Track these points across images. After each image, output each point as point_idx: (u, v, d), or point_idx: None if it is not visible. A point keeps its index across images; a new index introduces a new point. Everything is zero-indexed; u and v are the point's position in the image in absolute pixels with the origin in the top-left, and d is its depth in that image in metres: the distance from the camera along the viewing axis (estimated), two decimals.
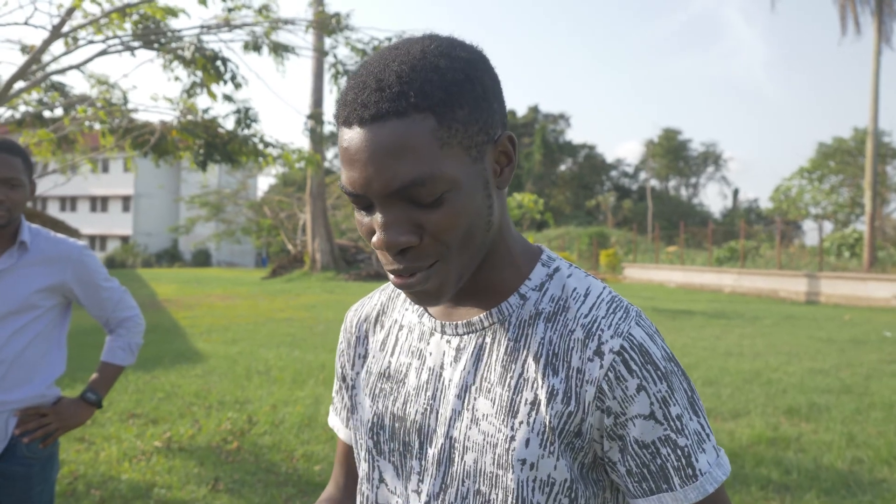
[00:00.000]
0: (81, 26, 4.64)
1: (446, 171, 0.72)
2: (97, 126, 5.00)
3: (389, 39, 5.83)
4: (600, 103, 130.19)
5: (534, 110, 62.57)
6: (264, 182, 65.17)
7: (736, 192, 66.71)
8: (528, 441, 0.78)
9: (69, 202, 49.01)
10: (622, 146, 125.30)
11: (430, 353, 0.88)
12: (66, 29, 4.60)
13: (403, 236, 0.74)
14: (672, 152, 63.52)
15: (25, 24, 4.35)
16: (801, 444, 4.82)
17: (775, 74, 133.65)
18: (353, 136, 0.73)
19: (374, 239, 0.76)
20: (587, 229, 39.82)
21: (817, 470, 4.28)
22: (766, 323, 12.41)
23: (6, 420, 1.96)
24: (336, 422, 1.06)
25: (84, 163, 5.38)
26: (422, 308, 0.91)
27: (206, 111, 5.42)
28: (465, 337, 0.85)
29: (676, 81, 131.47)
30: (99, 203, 48.86)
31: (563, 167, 62.27)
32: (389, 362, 0.93)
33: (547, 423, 0.78)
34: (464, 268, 0.79)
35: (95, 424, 5.04)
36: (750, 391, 6.45)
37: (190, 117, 5.32)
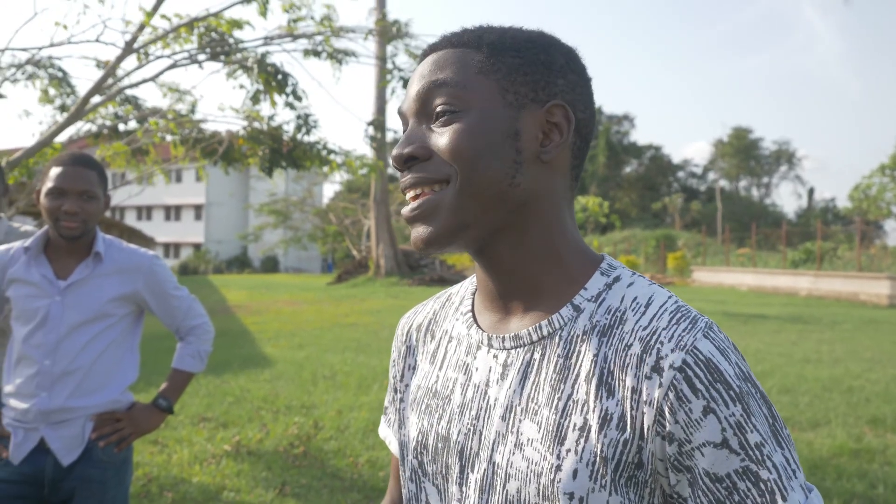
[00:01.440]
0: (152, 41, 4.81)
1: (469, 89, 0.75)
2: (168, 137, 5.19)
3: None
4: (666, 103, 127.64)
5: (597, 112, 61.72)
6: (329, 189, 66.51)
7: (811, 192, 64.37)
8: (575, 472, 0.69)
9: (145, 211, 51.05)
10: (689, 146, 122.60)
11: (477, 369, 0.81)
12: (137, 45, 4.78)
13: (409, 147, 0.77)
14: (742, 151, 61.69)
15: (97, 41, 4.54)
16: (888, 456, 4.56)
17: (853, 68, 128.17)
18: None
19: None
20: (654, 232, 39.01)
21: None
22: (846, 327, 11.85)
23: (83, 425, 2.02)
24: (388, 433, 0.99)
25: (157, 172, 5.59)
26: (471, 318, 0.86)
27: (271, 118, 5.56)
28: (513, 352, 0.78)
29: (747, 79, 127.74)
30: (173, 212, 50.72)
31: (628, 169, 61.30)
32: (437, 377, 0.86)
33: (598, 452, 0.69)
34: (468, 208, 0.74)
35: (168, 427, 5.19)
36: (830, 399, 6.15)
37: (256, 125, 5.46)
